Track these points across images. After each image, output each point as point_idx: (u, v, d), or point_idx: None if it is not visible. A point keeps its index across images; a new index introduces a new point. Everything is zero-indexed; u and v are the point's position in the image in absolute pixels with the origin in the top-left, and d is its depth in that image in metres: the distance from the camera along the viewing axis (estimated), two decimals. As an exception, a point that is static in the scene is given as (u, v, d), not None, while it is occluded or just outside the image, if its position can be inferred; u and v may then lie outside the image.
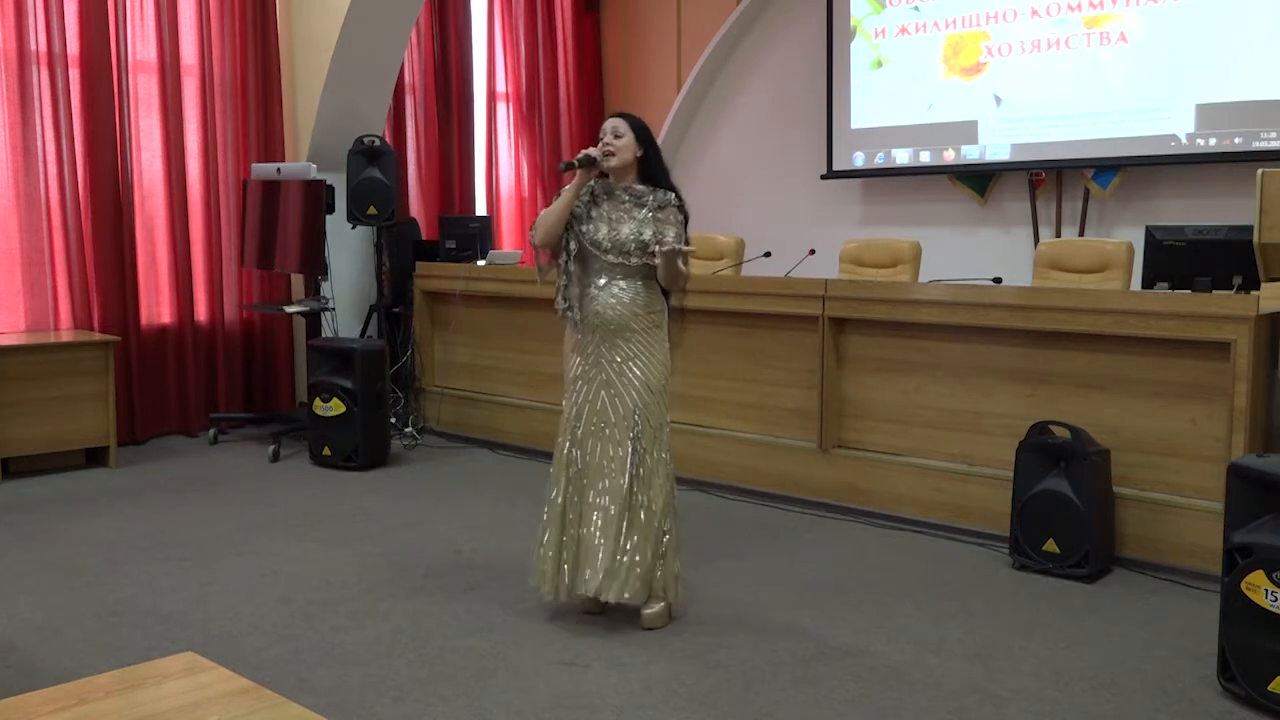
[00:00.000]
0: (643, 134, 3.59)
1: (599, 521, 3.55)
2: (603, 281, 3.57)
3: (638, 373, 3.54)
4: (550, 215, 3.62)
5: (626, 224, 3.54)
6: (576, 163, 3.56)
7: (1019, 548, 4.21)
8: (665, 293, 3.65)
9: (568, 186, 3.62)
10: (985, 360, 4.64)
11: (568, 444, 3.64)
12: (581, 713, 3.01)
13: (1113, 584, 4.07)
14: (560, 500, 3.63)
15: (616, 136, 3.57)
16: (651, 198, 3.56)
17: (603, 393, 3.57)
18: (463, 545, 4.51)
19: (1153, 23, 6.27)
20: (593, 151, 3.58)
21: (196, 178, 6.60)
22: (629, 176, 3.59)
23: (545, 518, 3.67)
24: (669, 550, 3.60)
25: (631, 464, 3.52)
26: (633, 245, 3.51)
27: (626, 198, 3.58)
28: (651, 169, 3.60)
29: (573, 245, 3.61)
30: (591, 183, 3.63)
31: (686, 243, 3.56)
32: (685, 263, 3.52)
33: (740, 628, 3.61)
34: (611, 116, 3.65)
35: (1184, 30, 6.17)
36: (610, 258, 3.55)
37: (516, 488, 5.46)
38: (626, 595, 3.53)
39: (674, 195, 3.59)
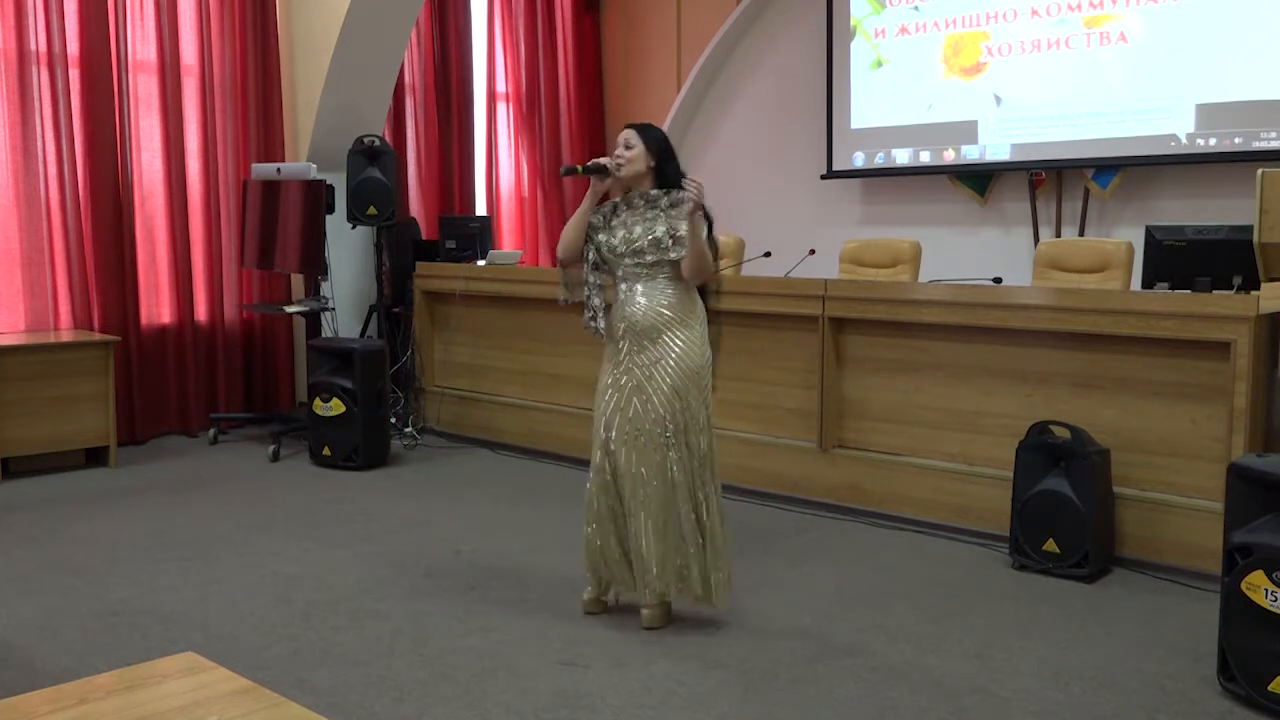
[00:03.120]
0: (655, 145, 3.59)
1: (650, 532, 3.53)
2: (625, 286, 3.58)
3: (665, 378, 3.52)
4: (569, 228, 3.65)
5: (639, 225, 3.56)
6: (580, 169, 3.59)
7: (1019, 548, 4.21)
8: (703, 293, 3.64)
9: (586, 196, 3.65)
10: (985, 360, 4.64)
11: (600, 454, 3.62)
12: (581, 713, 3.01)
13: (1113, 584, 4.07)
14: (596, 507, 3.64)
15: (628, 148, 3.59)
16: (665, 199, 3.56)
17: (634, 399, 3.54)
18: (463, 545, 4.51)
19: (1153, 23, 6.27)
20: (605, 161, 3.60)
21: (196, 178, 6.60)
22: (644, 185, 3.60)
23: (584, 521, 3.70)
24: (723, 553, 3.57)
25: (670, 470, 3.50)
26: (645, 243, 3.52)
27: (641, 203, 3.59)
28: (667, 177, 3.59)
29: (591, 255, 3.63)
30: (617, 199, 3.65)
31: (713, 241, 3.57)
32: (712, 247, 3.53)
33: (740, 628, 3.61)
34: (626, 127, 3.66)
35: (1184, 30, 6.17)
36: (627, 261, 3.56)
37: (516, 488, 5.46)
38: (687, 598, 3.59)
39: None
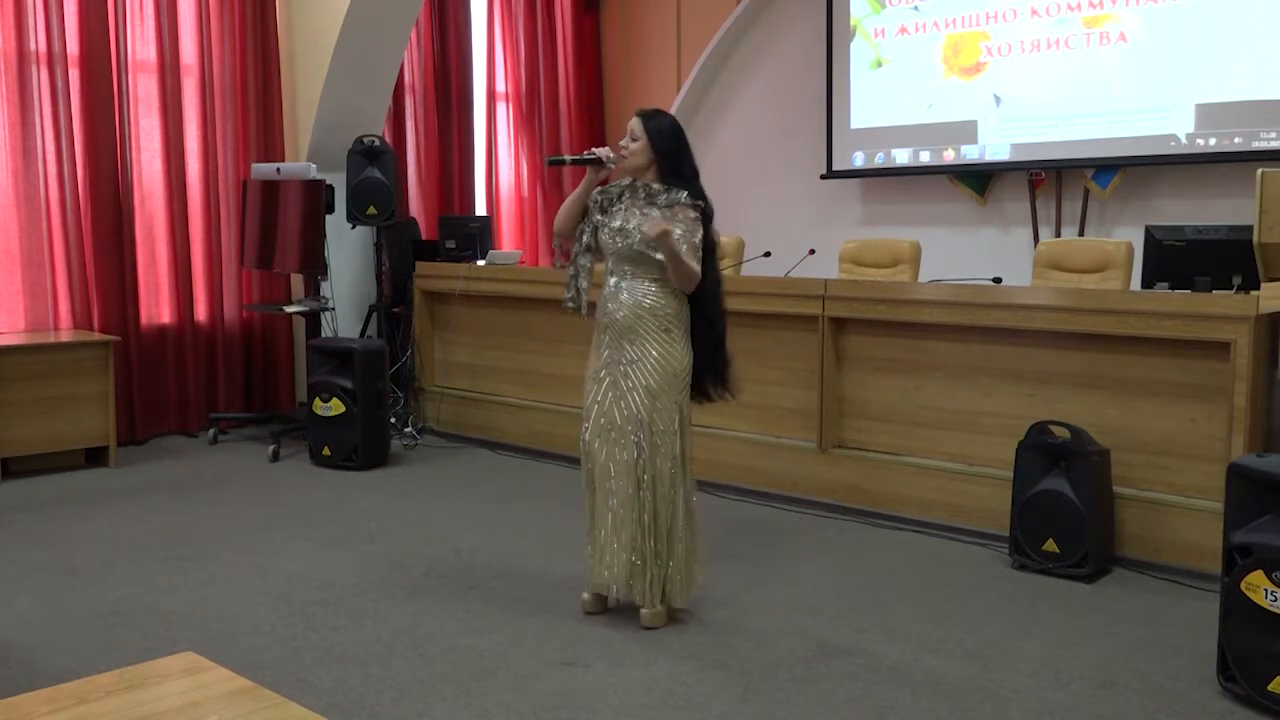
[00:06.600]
0: (659, 136, 3.54)
1: (611, 525, 3.57)
2: (614, 281, 3.58)
3: (641, 377, 3.52)
4: (567, 204, 3.65)
5: (634, 218, 3.53)
6: (569, 159, 3.58)
7: (1019, 548, 4.21)
8: (698, 299, 3.58)
9: (584, 180, 3.65)
10: (985, 360, 4.64)
11: (582, 443, 3.67)
12: (581, 713, 3.01)
13: (1112, 584, 4.07)
14: (586, 498, 3.69)
15: (633, 140, 3.56)
16: (664, 196, 3.53)
17: (609, 394, 3.57)
18: (463, 545, 4.51)
19: (1153, 23, 6.27)
20: (600, 151, 3.58)
21: (196, 178, 6.60)
22: (649, 175, 3.58)
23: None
24: (683, 558, 3.58)
25: (637, 468, 3.51)
26: (636, 238, 3.50)
27: (643, 195, 3.57)
28: (668, 169, 3.55)
29: (585, 237, 3.61)
30: (623, 182, 3.63)
31: (709, 241, 3.53)
32: (694, 258, 3.46)
33: (740, 628, 3.61)
34: (636, 114, 3.60)
35: (1184, 30, 6.16)
36: (617, 243, 3.54)
37: (516, 488, 5.46)
38: (637, 599, 3.59)
39: (685, 194, 3.51)
